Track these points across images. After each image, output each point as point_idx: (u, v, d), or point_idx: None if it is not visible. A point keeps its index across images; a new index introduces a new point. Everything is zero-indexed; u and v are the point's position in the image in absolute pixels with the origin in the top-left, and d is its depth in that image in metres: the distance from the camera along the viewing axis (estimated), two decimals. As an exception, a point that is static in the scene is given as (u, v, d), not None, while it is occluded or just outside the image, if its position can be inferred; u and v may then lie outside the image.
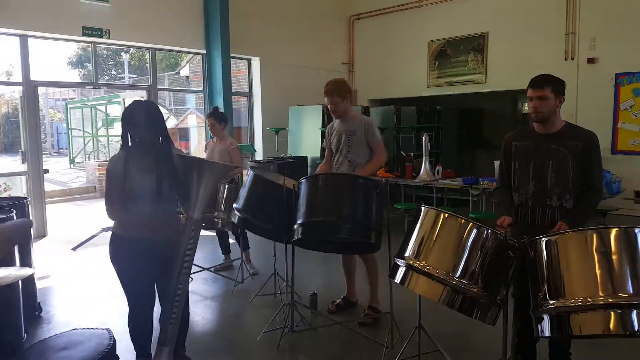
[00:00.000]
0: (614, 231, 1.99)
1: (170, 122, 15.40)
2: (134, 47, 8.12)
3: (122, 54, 24.05)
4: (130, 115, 2.69)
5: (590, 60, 7.72)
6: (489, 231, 2.35)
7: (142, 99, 2.89)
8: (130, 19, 7.42)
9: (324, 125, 8.24)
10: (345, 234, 3.08)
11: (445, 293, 2.33)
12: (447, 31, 9.21)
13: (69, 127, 18.24)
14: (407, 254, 2.52)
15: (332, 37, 10.40)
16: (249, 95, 9.49)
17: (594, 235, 2.03)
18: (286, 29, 9.39)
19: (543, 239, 2.18)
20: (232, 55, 8.54)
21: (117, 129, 14.09)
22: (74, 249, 6.18)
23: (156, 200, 2.65)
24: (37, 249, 5.32)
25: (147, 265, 2.71)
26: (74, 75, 25.90)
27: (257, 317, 3.96)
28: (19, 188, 7.16)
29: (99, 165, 11.95)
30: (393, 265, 2.62)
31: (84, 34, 7.07)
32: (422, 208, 2.59)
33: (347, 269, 4.04)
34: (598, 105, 7.66)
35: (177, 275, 2.51)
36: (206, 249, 5.94)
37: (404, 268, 2.50)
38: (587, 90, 7.74)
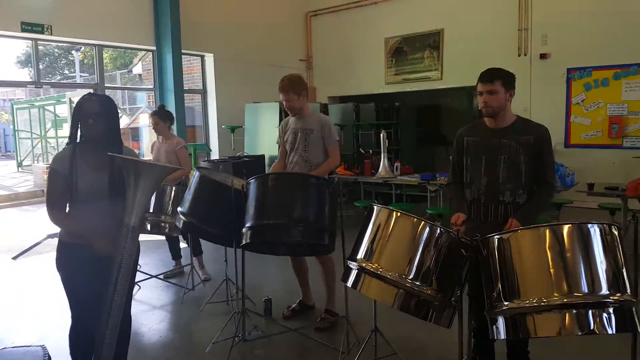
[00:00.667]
0: (567, 227, 1.93)
1: (123, 121, 14.88)
2: (78, 44, 7.75)
3: (73, 52, 23.18)
4: (83, 108, 2.42)
5: (543, 56, 7.85)
6: (442, 230, 2.26)
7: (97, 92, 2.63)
8: (74, 14, 7.05)
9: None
10: (296, 236, 2.94)
11: (398, 296, 2.23)
12: (403, 28, 9.20)
13: (16, 128, 17.36)
14: (359, 256, 2.40)
15: (289, 34, 10.24)
16: (203, 93, 9.22)
17: (547, 232, 1.95)
18: (241, 24, 9.16)
19: (495, 237, 2.10)
20: (183, 51, 8.27)
21: (66, 129, 13.50)
22: (15, 258, 5.80)
23: (107, 203, 2.42)
24: (-29, 259, 4.94)
25: (96, 274, 2.46)
26: (24, 75, 24.75)
27: (207, 327, 3.76)
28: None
29: (46, 168, 11.38)
30: (345, 267, 2.49)
31: (23, 30, 6.67)
32: (375, 207, 2.47)
33: (297, 271, 3.89)
34: (551, 99, 7.81)
35: (112, 289, 2.33)
36: (155, 255, 5.67)
37: (356, 271, 2.38)
38: (540, 85, 7.87)
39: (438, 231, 2.26)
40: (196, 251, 4.89)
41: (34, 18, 6.70)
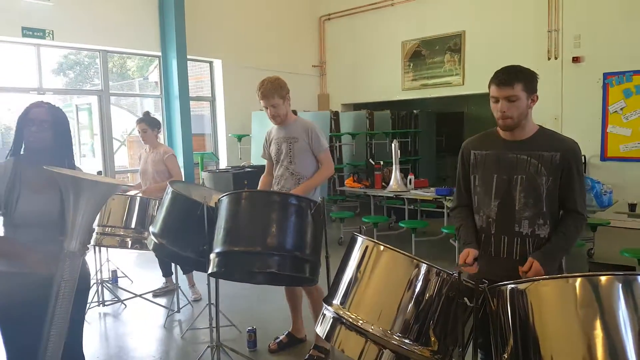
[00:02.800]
0: (606, 280, 1.40)
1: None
2: (81, 49, 7.46)
3: (97, 60, 23.34)
4: (29, 114, 2.07)
5: (576, 60, 7.20)
6: (439, 271, 1.76)
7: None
8: (77, 19, 6.76)
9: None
10: (271, 267, 2.46)
11: (383, 357, 1.74)
12: (421, 30, 8.68)
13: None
14: (335, 301, 1.91)
15: (301, 39, 9.81)
16: (212, 100, 8.86)
17: (580, 285, 1.44)
18: (251, 29, 8.79)
19: (508, 286, 1.58)
20: (190, 57, 7.93)
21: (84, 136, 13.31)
22: None
23: (52, 227, 2.01)
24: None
25: (33, 307, 2.03)
26: (58, 83, 24.94)
27: (184, 358, 3.32)
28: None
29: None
30: (321, 313, 2.01)
31: (24, 35, 6.39)
32: (357, 238, 1.98)
33: (289, 297, 3.42)
34: (585, 108, 7.14)
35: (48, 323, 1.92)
36: (145, 271, 5.28)
37: (331, 320, 1.90)
38: (573, 92, 7.22)
39: (434, 273, 1.76)
40: (185, 269, 4.47)
41: (36, 23, 6.44)
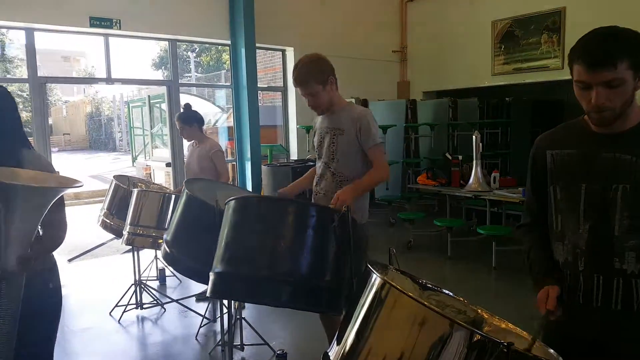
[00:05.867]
0: None
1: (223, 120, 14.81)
2: (149, 38, 7.39)
3: (189, 53, 24.13)
4: None
5: None
6: (484, 338, 1.14)
7: None
8: (144, 8, 6.67)
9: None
10: (281, 298, 1.95)
11: None
12: (515, 8, 7.64)
13: (131, 125, 18.36)
14: (332, 354, 1.37)
15: (381, 22, 9.11)
16: (284, 90, 8.50)
17: None
18: (325, 15, 8.27)
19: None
20: (261, 45, 7.60)
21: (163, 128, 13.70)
22: (70, 260, 5.49)
23: None
24: None
25: None
26: (159, 74, 26.11)
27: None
28: None
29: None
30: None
31: (92, 25, 6.41)
32: (372, 275, 1.40)
33: (322, 318, 2.89)
34: None
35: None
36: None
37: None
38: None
39: (466, 336, 1.15)
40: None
41: (103, 12, 6.44)
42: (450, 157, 5.66)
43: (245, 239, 2.03)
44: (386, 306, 1.31)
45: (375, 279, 1.35)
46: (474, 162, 5.26)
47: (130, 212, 3.57)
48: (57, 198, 1.66)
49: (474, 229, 6.11)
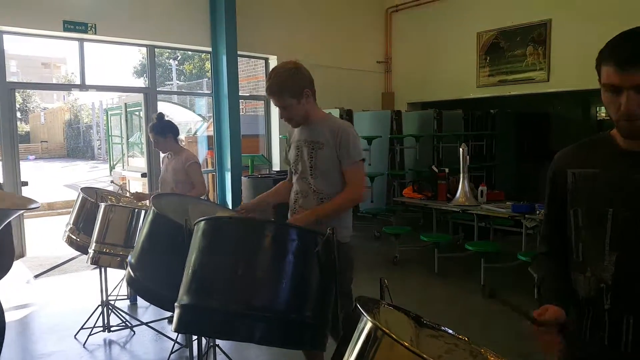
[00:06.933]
0: None
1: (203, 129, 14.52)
2: (126, 44, 7.11)
3: (171, 61, 23.78)
4: None
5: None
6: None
7: None
8: (121, 12, 6.42)
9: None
10: (254, 336, 1.72)
11: None
12: (500, 20, 7.58)
13: (109, 133, 17.92)
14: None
15: (366, 32, 8.99)
16: (266, 100, 8.28)
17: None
18: (309, 23, 8.11)
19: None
20: (243, 53, 7.40)
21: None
22: (36, 276, 5.18)
23: None
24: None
25: None
26: (140, 82, 25.73)
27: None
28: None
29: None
30: None
31: (66, 29, 6.13)
32: (362, 317, 1.19)
33: (307, 352, 2.66)
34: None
35: None
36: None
37: None
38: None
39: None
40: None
41: (78, 16, 6.16)
42: (436, 170, 5.49)
43: (215, 266, 1.80)
44: (379, 357, 1.09)
45: (366, 323, 1.14)
46: (461, 175, 5.10)
47: (96, 228, 3.30)
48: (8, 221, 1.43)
49: (461, 243, 5.94)
